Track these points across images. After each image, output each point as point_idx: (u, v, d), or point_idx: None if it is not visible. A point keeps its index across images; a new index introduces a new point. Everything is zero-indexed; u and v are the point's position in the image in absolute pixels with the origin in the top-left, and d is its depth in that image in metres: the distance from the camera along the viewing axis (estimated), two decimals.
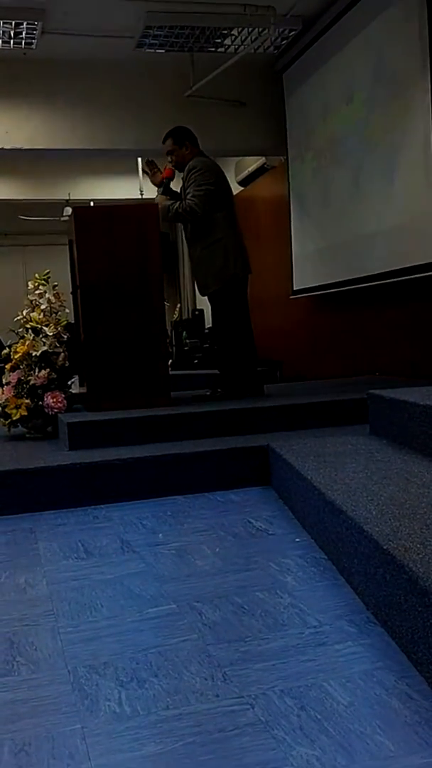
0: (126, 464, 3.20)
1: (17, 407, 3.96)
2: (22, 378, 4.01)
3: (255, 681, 1.58)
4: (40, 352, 4.03)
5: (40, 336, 4.07)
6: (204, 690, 1.56)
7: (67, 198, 9.48)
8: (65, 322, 4.19)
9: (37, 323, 4.09)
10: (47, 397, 3.96)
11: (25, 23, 5.75)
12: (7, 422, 4.01)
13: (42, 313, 4.12)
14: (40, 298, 4.16)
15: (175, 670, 1.65)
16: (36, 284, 4.21)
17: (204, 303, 7.62)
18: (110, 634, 1.86)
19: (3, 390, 4.04)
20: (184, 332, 9.08)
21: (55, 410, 3.95)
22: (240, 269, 4.35)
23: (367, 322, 6.11)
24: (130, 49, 6.30)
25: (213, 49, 6.38)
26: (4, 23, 5.73)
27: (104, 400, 3.99)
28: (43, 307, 4.14)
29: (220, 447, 3.36)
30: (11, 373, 4.06)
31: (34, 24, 5.77)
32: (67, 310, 4.26)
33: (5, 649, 1.81)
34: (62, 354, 4.09)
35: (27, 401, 3.97)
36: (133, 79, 6.71)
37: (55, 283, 4.25)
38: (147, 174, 4.63)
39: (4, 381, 4.09)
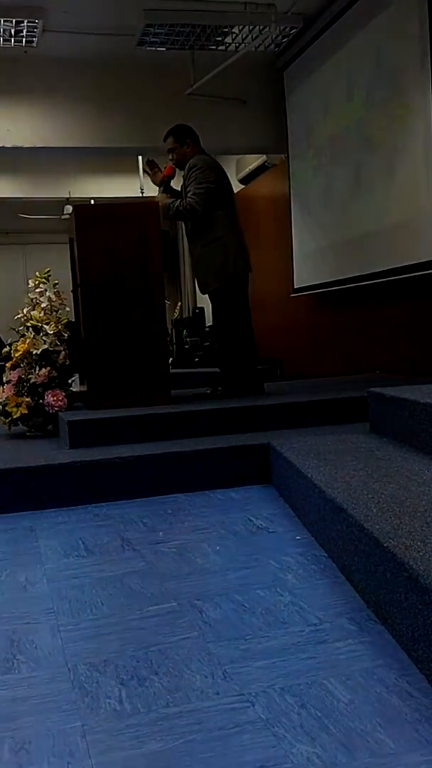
0: (126, 462, 3.20)
1: (18, 405, 3.96)
2: (23, 376, 4.02)
3: (255, 679, 1.57)
4: (40, 350, 4.03)
5: (41, 334, 4.08)
6: (204, 688, 1.55)
7: (68, 196, 9.49)
8: (66, 321, 4.20)
9: (38, 321, 4.09)
10: (48, 396, 3.96)
11: (25, 21, 5.76)
12: (7, 420, 4.01)
13: (42, 312, 4.13)
14: (41, 296, 4.17)
15: (176, 667, 1.65)
16: (36, 282, 4.21)
17: (204, 301, 7.62)
18: (111, 632, 1.86)
19: (3, 388, 4.04)
20: (185, 330, 9.08)
21: (56, 408, 3.96)
22: (240, 267, 4.35)
23: (368, 320, 6.11)
24: (130, 47, 6.31)
25: (214, 47, 6.38)
26: (4, 21, 5.73)
27: (105, 399, 3.99)
28: (43, 305, 4.14)
29: (220, 445, 3.36)
30: (12, 372, 4.06)
31: (34, 22, 5.77)
32: (67, 309, 4.27)
33: (5, 646, 1.81)
34: (63, 352, 4.09)
35: (27, 399, 3.97)
36: (134, 77, 6.71)
37: (56, 282, 4.26)
38: (148, 174, 4.63)
39: (4, 379, 4.09)
